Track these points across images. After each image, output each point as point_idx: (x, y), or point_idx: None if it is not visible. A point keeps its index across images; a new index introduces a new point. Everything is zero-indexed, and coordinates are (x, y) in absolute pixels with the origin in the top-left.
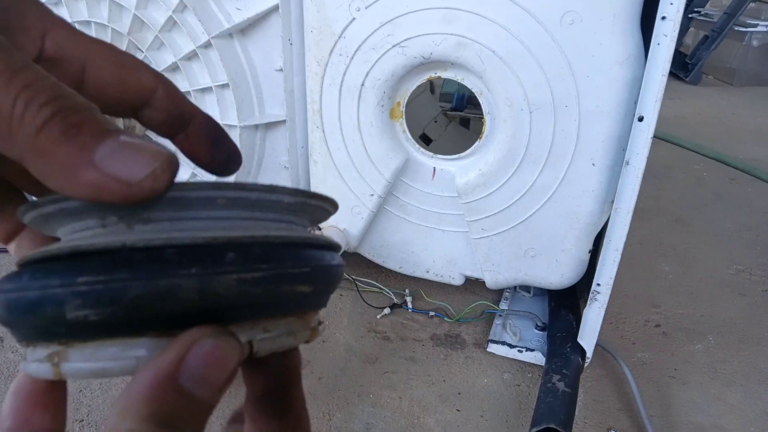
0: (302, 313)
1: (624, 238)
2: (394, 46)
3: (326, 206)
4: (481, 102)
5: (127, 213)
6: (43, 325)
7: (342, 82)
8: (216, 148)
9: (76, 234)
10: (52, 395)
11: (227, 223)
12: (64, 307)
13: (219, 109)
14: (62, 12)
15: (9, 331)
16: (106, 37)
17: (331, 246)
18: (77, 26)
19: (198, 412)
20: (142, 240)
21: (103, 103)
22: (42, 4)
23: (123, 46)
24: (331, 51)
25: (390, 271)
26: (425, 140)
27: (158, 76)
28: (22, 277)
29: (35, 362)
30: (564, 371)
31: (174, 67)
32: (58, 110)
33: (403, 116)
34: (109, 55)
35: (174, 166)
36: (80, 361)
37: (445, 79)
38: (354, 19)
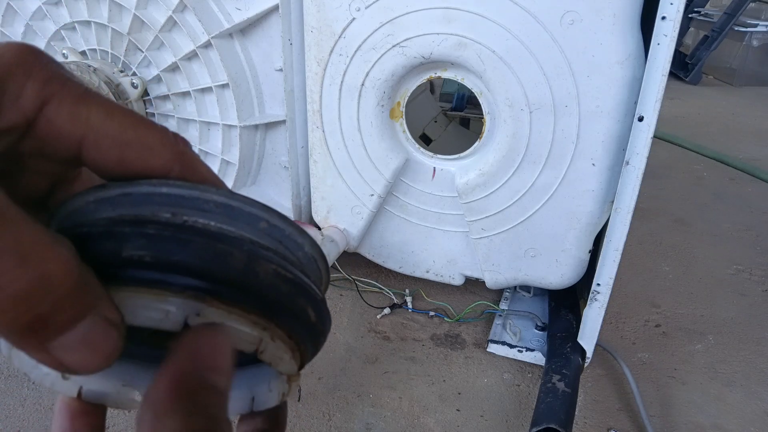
0: (297, 345)
1: (624, 238)
2: (394, 46)
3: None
4: (481, 102)
5: (180, 210)
6: (102, 255)
7: (342, 82)
8: None
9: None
10: (90, 409)
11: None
12: (123, 242)
13: (219, 109)
14: (62, 12)
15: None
16: (106, 38)
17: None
18: (77, 26)
19: (218, 396)
20: (218, 203)
21: (107, 178)
22: (49, 76)
23: (123, 46)
24: (331, 51)
25: (390, 271)
26: (425, 140)
27: (175, 156)
28: (107, 191)
29: None
30: (564, 371)
31: (174, 67)
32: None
33: (403, 116)
34: (114, 132)
35: (112, 359)
36: (121, 308)
37: (445, 79)
38: (354, 19)
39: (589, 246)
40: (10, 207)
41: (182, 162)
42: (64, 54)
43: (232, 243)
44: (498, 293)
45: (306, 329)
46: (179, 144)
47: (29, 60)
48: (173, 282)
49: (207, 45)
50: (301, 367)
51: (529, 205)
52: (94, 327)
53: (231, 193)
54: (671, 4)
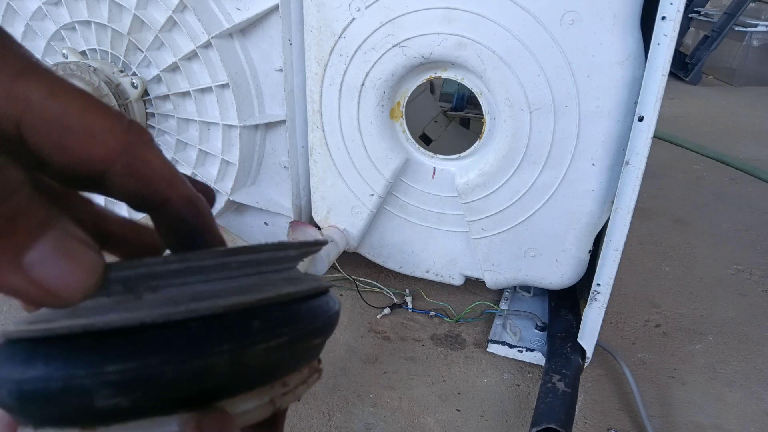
0: (312, 360)
1: (624, 238)
2: (394, 46)
3: (320, 246)
4: (481, 102)
5: (133, 281)
6: (64, 414)
7: (342, 82)
8: (191, 244)
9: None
10: None
11: (235, 282)
12: (92, 397)
13: (219, 109)
14: (62, 12)
15: (11, 416)
16: (106, 38)
17: (328, 288)
18: (77, 26)
19: None
20: (161, 315)
21: (49, 172)
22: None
23: (123, 46)
24: (331, 51)
25: (390, 271)
26: (425, 140)
27: (122, 147)
28: (33, 361)
29: None
30: (564, 371)
31: (174, 67)
32: None
33: (403, 116)
34: (55, 114)
35: (97, 275)
36: None
37: (445, 79)
38: (354, 19)
39: (589, 246)
40: None
41: (130, 153)
42: (64, 54)
43: (208, 343)
44: (498, 293)
45: (315, 353)
46: (131, 133)
47: None
48: (165, 405)
49: (207, 45)
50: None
51: (529, 205)
52: (65, 237)
53: (182, 257)
54: (671, 4)
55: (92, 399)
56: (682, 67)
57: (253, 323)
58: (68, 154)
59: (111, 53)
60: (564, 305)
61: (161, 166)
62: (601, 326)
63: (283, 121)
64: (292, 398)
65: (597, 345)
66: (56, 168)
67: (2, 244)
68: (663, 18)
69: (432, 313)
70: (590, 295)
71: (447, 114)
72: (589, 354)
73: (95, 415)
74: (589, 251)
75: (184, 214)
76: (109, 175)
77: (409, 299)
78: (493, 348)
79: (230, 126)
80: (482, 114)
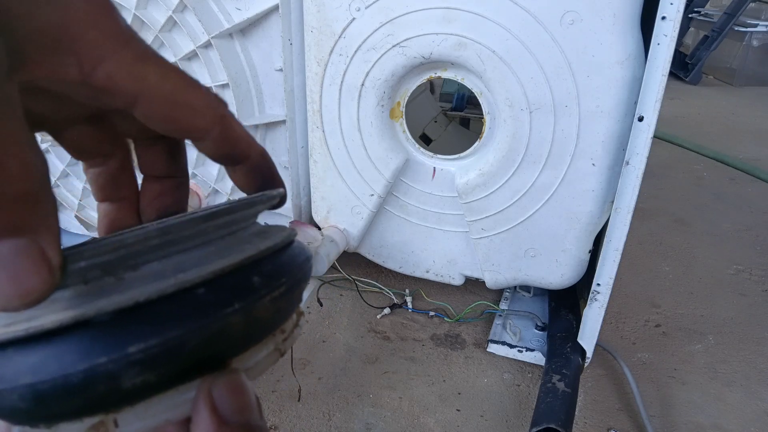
0: (298, 304)
1: (624, 238)
2: (394, 46)
3: (283, 193)
4: (481, 102)
5: (108, 264)
6: (86, 404)
7: (342, 82)
8: (262, 190)
9: (56, 293)
10: None
11: (213, 246)
12: (119, 380)
13: None
14: None
15: (14, 420)
16: None
17: (296, 235)
18: None
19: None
20: (155, 291)
21: (151, 134)
22: (114, 31)
23: None
24: (331, 51)
25: (390, 271)
26: (425, 140)
27: (217, 119)
28: (40, 360)
29: None
30: (564, 371)
31: None
32: None
33: (403, 116)
34: (167, 93)
35: (27, 301)
36: (136, 421)
37: (445, 79)
38: (354, 19)
39: (589, 246)
40: (13, 101)
41: (221, 123)
42: None
43: (219, 305)
44: (498, 293)
45: (301, 297)
46: (220, 106)
47: (97, 12)
48: (187, 377)
49: (207, 45)
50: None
51: (529, 205)
52: (25, 252)
53: (160, 229)
54: (671, 4)
55: (119, 382)
56: (682, 67)
57: (254, 279)
58: (177, 124)
59: None
60: (564, 305)
61: (242, 130)
62: (601, 326)
63: (283, 121)
64: (291, 342)
65: (597, 345)
66: (160, 132)
67: None
68: (663, 18)
69: (432, 313)
70: (590, 295)
71: (447, 114)
72: (589, 354)
73: (122, 396)
74: (589, 251)
75: (260, 166)
76: (205, 138)
77: (409, 299)
78: (493, 348)
79: None
80: (482, 114)
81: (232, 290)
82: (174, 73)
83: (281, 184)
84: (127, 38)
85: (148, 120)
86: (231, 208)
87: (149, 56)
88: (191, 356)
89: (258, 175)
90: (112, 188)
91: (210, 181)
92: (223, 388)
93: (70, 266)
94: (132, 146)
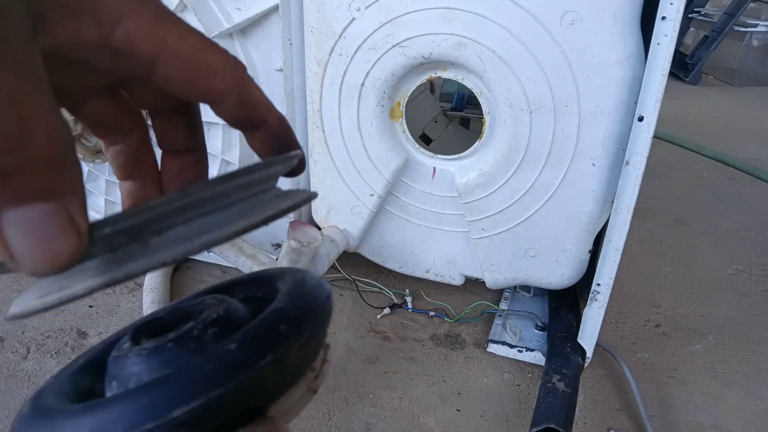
0: (324, 340)
1: (624, 238)
2: (394, 46)
3: (300, 154)
4: (481, 102)
5: (135, 230)
6: None
7: (342, 82)
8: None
9: (84, 264)
10: None
11: (235, 208)
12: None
13: None
14: None
15: None
16: None
17: (314, 194)
18: None
19: None
20: (180, 253)
21: (169, 96)
22: None
23: None
24: (331, 51)
25: (390, 271)
26: (425, 140)
27: (235, 82)
28: (93, 428)
29: None
30: (564, 371)
31: None
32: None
33: (403, 116)
34: (186, 54)
35: (60, 265)
36: None
37: (445, 79)
38: (354, 19)
39: (589, 246)
40: (37, 65)
41: (239, 87)
42: None
43: (254, 364)
44: (498, 293)
45: (325, 335)
46: (238, 69)
47: None
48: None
49: None
50: None
51: (529, 205)
52: (53, 216)
53: (181, 193)
54: (671, 4)
55: None
56: (682, 67)
57: (281, 328)
58: (195, 87)
59: None
60: (564, 305)
61: (261, 95)
62: (601, 326)
63: None
64: (322, 379)
65: (597, 345)
66: (178, 95)
67: None
68: (663, 18)
69: (432, 313)
70: (590, 295)
71: (447, 114)
72: (589, 354)
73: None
74: (589, 251)
75: (278, 131)
76: (223, 102)
77: (409, 299)
78: (493, 348)
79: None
80: (482, 114)
81: (262, 343)
82: (192, 33)
83: (299, 148)
84: (145, 2)
85: (167, 83)
86: (250, 168)
87: (167, 16)
88: (231, 411)
89: (276, 140)
90: (133, 166)
91: (217, 153)
92: None
93: (96, 233)
94: (150, 122)
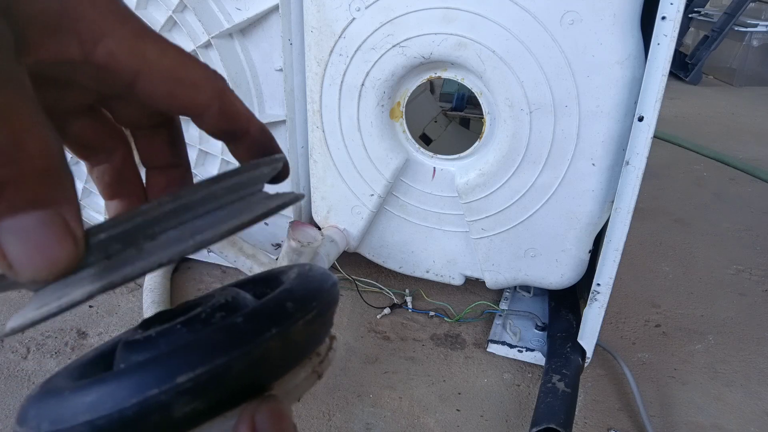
0: (330, 327)
1: (624, 238)
2: (394, 46)
3: (284, 158)
4: (481, 102)
5: (128, 236)
6: None
7: (342, 82)
8: None
9: (81, 272)
10: None
11: (225, 210)
12: (171, 409)
13: None
14: None
15: None
16: None
17: (302, 196)
18: None
19: None
20: (175, 253)
21: (151, 113)
22: (112, 10)
23: None
24: (331, 51)
25: (390, 271)
26: (425, 140)
27: (216, 94)
28: (97, 397)
29: None
30: (564, 371)
31: None
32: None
33: (403, 116)
34: (167, 68)
35: (56, 272)
36: None
37: (445, 79)
38: (354, 19)
39: (589, 246)
40: (24, 81)
41: (221, 98)
42: None
43: (260, 335)
44: (498, 293)
45: (331, 320)
46: (219, 81)
47: None
48: (232, 403)
49: (207, 45)
50: None
51: (529, 205)
52: (49, 223)
53: (172, 197)
54: (671, 4)
55: (171, 411)
56: (682, 67)
57: (287, 305)
58: (177, 100)
59: None
60: (564, 305)
61: (241, 105)
62: (601, 326)
63: (283, 121)
64: (327, 365)
65: (597, 345)
66: (160, 109)
67: None
68: (663, 18)
69: (432, 313)
70: (590, 295)
71: (447, 114)
72: (589, 354)
73: (173, 425)
74: (589, 251)
75: (260, 140)
76: (205, 114)
77: (409, 299)
78: (493, 348)
79: None
80: (482, 114)
81: (269, 317)
82: (172, 48)
83: (283, 154)
84: (125, 16)
85: (149, 97)
86: (237, 170)
87: (148, 33)
88: (236, 382)
89: (259, 149)
90: (118, 185)
91: (217, 153)
92: (265, 415)
93: (92, 238)
94: (132, 141)
